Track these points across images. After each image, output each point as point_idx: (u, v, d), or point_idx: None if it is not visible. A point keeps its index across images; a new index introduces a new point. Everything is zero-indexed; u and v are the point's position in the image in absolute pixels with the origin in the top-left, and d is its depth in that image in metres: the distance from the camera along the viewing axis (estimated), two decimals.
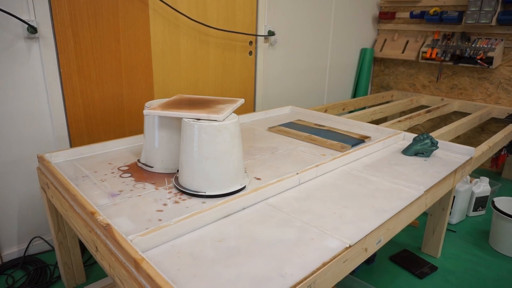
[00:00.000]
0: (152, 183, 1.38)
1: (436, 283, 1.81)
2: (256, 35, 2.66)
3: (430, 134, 2.18)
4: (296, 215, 1.19)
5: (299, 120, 2.22)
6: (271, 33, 2.72)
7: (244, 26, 2.58)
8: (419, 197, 1.37)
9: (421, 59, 3.32)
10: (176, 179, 1.38)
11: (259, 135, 1.97)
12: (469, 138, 3.39)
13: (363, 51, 3.61)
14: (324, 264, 0.96)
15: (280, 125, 2.10)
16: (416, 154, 1.76)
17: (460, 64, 3.12)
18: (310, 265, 0.95)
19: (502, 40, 2.97)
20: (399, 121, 2.54)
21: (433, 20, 3.21)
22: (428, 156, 1.75)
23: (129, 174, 1.45)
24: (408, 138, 1.98)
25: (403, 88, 3.71)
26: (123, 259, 0.95)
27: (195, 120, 1.27)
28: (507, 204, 2.22)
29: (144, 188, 1.33)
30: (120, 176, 1.43)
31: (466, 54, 3.04)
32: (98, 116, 2.03)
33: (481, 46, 3.00)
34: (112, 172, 1.46)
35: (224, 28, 2.46)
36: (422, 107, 3.69)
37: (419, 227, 2.31)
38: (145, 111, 1.34)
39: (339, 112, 3.07)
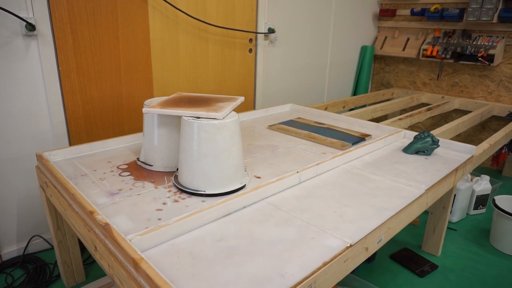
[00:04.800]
0: (152, 181, 1.37)
1: (437, 281, 1.80)
2: (256, 33, 2.64)
3: (431, 132, 2.17)
4: (296, 214, 1.18)
5: (299, 118, 2.21)
6: (271, 31, 2.70)
7: (244, 23, 2.56)
8: (420, 196, 1.36)
9: (422, 57, 3.30)
10: (176, 177, 1.37)
11: (259, 133, 1.96)
12: (470, 136, 3.38)
13: (363, 49, 3.60)
14: (324, 264, 0.95)
15: (280, 123, 2.09)
16: (417, 152, 1.75)
17: (461, 62, 3.11)
18: (310, 264, 0.94)
19: (503, 37, 2.96)
20: (400, 119, 2.53)
21: (434, 18, 3.20)
22: (429, 154, 1.75)
23: (128, 173, 1.44)
24: (408, 136, 1.97)
25: (403, 86, 3.70)
26: (122, 259, 0.94)
27: (195, 118, 1.26)
28: (507, 203, 2.21)
29: (143, 187, 1.32)
30: (119, 174, 1.42)
31: (467, 52, 3.03)
32: (97, 114, 2.02)
33: (482, 43, 2.98)
34: (111, 171, 1.45)
35: (223, 25, 2.45)
36: (422, 104, 3.68)
37: (419, 225, 2.30)
38: (145, 109, 1.33)
39: (339, 110, 3.06)
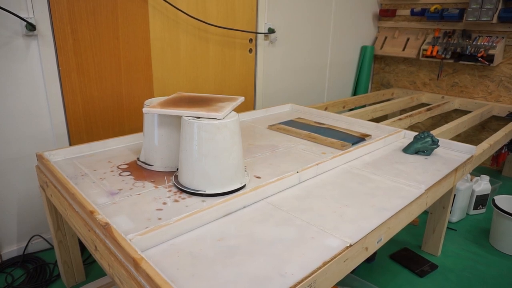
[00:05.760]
0: (152, 181, 1.37)
1: (436, 281, 1.80)
2: (256, 33, 2.65)
3: (431, 132, 2.18)
4: (296, 214, 1.19)
5: (299, 118, 2.21)
6: (271, 31, 2.70)
7: (244, 23, 2.57)
8: (420, 196, 1.36)
9: (422, 57, 3.31)
10: (176, 177, 1.37)
11: (259, 133, 1.97)
12: (470, 136, 3.38)
13: (363, 49, 3.60)
14: (324, 264, 0.95)
15: (280, 123, 2.09)
16: (416, 152, 1.76)
17: (461, 62, 3.11)
18: (310, 264, 0.94)
19: (503, 37, 2.96)
20: (400, 119, 2.53)
21: (433, 18, 3.20)
22: (428, 154, 1.75)
23: (129, 173, 1.44)
24: (408, 136, 1.98)
25: (403, 86, 3.70)
26: (122, 259, 0.94)
27: (195, 118, 1.26)
28: (507, 203, 2.22)
29: (143, 187, 1.33)
30: (120, 174, 1.42)
31: (467, 52, 3.03)
32: (97, 114, 2.02)
33: (482, 43, 2.99)
34: (112, 171, 1.45)
35: (223, 26, 2.45)
36: (422, 105, 3.68)
37: (419, 225, 2.31)
38: (145, 109, 1.34)
39: (339, 110, 3.06)
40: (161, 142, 1.43)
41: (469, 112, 3.30)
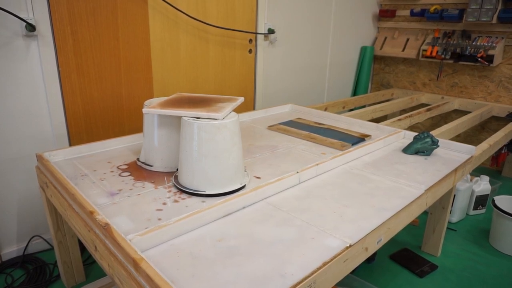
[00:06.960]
0: (152, 182, 1.37)
1: (436, 281, 1.81)
2: (256, 33, 2.65)
3: (431, 132, 2.18)
4: (296, 214, 1.19)
5: (299, 118, 2.21)
6: (271, 31, 2.70)
7: (244, 24, 2.57)
8: (420, 196, 1.36)
9: (422, 57, 3.31)
10: (176, 178, 1.37)
11: (259, 133, 1.97)
12: (470, 137, 3.39)
13: (363, 49, 3.60)
14: (324, 264, 0.95)
15: (280, 124, 2.09)
16: (416, 152, 1.76)
17: (461, 62, 3.11)
18: (310, 264, 0.94)
19: (502, 38, 2.96)
20: (399, 119, 2.53)
21: (433, 18, 3.20)
22: (428, 154, 1.75)
23: (129, 173, 1.44)
24: (408, 136, 1.98)
25: (403, 86, 3.70)
26: (122, 259, 0.94)
27: (195, 118, 1.26)
28: (507, 203, 2.22)
29: (143, 187, 1.33)
30: (119, 175, 1.42)
31: (467, 52, 3.03)
32: (97, 114, 2.02)
33: (482, 44, 2.99)
34: (111, 171, 1.45)
35: (223, 26, 2.45)
36: (422, 105, 3.68)
37: (419, 225, 2.31)
38: (145, 110, 1.34)
39: (339, 110, 3.06)
40: (161, 143, 1.43)
41: (469, 112, 3.30)
